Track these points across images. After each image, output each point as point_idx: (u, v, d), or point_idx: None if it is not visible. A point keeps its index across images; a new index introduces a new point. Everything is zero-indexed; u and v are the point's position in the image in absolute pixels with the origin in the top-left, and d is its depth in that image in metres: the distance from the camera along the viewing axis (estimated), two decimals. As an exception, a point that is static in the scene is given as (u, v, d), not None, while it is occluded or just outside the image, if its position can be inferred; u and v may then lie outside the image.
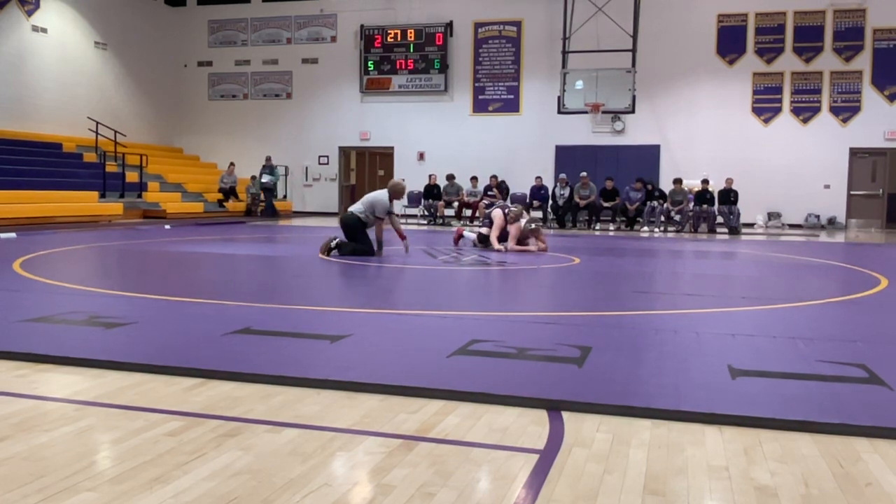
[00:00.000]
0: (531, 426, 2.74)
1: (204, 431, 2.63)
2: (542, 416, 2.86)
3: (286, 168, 23.27)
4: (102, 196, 17.12)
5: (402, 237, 9.48)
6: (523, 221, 10.28)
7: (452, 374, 3.36)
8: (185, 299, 5.44)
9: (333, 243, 9.16)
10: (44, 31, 19.34)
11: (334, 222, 18.97)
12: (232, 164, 21.31)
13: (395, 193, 9.28)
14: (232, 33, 23.74)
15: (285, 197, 23.34)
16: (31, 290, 5.86)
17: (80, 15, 20.43)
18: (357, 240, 9.19)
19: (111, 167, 18.31)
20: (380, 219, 9.21)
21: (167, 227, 14.89)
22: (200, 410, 2.87)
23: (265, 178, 20.33)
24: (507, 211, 10.43)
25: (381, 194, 9.26)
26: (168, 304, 5.25)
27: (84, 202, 16.12)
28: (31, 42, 19.02)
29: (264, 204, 20.54)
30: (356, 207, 9.28)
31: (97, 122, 19.81)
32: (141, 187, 18.65)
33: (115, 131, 19.80)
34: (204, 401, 3.00)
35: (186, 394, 3.09)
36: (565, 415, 2.87)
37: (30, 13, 18.94)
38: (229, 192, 20.74)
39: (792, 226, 19.41)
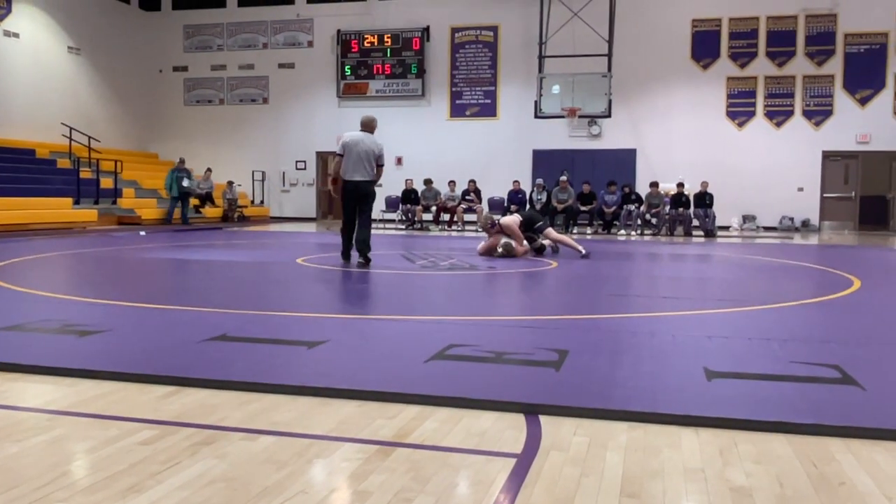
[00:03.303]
0: (509, 430, 2.74)
1: (178, 440, 2.60)
2: (519, 419, 2.86)
3: (263, 173, 23.17)
4: (76, 203, 16.93)
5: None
6: (502, 240, 10.10)
7: (430, 379, 3.35)
8: (161, 306, 5.39)
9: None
10: (16, 35, 19.12)
11: (312, 227, 18.93)
12: (208, 169, 21.14)
13: (374, 129, 8.82)
14: (208, 38, 23.62)
15: (262, 202, 23.24)
16: (3, 298, 5.77)
17: (52, 20, 20.22)
18: (365, 219, 8.63)
19: (85, 173, 18.13)
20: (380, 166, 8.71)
21: (142, 233, 14.76)
22: (175, 418, 2.84)
23: (187, 183, 18.72)
24: (497, 221, 10.38)
25: (373, 139, 8.63)
26: (143, 311, 5.20)
27: (58, 209, 15.94)
28: (3, 47, 18.79)
29: (180, 212, 18.74)
30: (364, 173, 8.49)
31: (71, 128, 19.60)
32: (116, 193, 18.47)
33: (90, 137, 19.60)
34: (178, 409, 2.96)
35: (160, 402, 3.06)
36: (543, 418, 2.87)
37: (1, 18, 18.71)
38: (206, 198, 20.60)
39: (766, 228, 19.61)
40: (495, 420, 2.85)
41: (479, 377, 3.42)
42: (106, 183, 18.36)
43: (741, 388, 3.27)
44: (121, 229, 16.14)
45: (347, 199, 8.60)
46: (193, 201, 20.19)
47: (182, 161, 19.47)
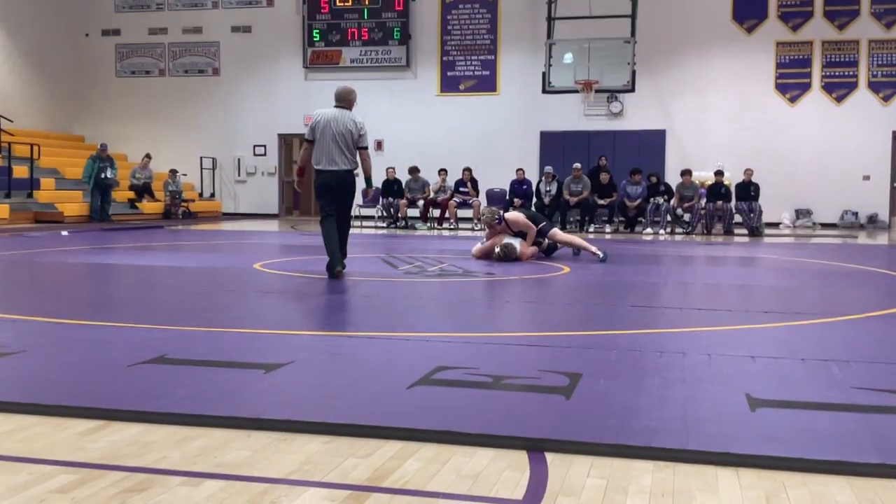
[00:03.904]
0: (508, 471, 2.73)
1: (104, 486, 2.58)
2: (521, 458, 2.85)
3: (213, 160, 23.12)
4: (-16, 196, 16.89)
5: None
6: (504, 240, 10.14)
7: (414, 409, 3.35)
8: (85, 322, 5.37)
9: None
10: None
11: (273, 225, 18.92)
12: (147, 155, 21.13)
13: (352, 104, 8.44)
14: (145, -4, 23.59)
15: (212, 195, 23.20)
16: None
17: (-45, -27, 20.18)
18: (343, 218, 8.36)
19: (-6, 160, 18.07)
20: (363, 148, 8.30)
21: (65, 233, 14.72)
22: (100, 460, 2.82)
23: (110, 174, 18.72)
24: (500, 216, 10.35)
25: (351, 116, 8.23)
26: (63, 328, 5.18)
27: (-39, 204, 15.89)
28: None
29: (101, 207, 18.60)
30: (343, 160, 8.11)
31: (-23, 106, 19.56)
32: (32, 184, 18.42)
33: (0, 116, 19.54)
34: (105, 448, 2.95)
35: (83, 439, 3.04)
36: (549, 456, 2.86)
37: None
38: (143, 190, 20.58)
39: (824, 225, 19.69)
40: (492, 459, 2.84)
41: (472, 407, 3.42)
42: (20, 172, 18.30)
43: (792, 419, 3.27)
44: (38, 228, 16.08)
45: (324, 194, 8.19)
46: (128, 194, 20.17)
47: (104, 148, 19.19)
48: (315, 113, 8.42)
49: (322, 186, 8.17)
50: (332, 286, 7.66)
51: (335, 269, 7.96)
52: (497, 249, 9.90)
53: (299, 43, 22.52)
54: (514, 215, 10.39)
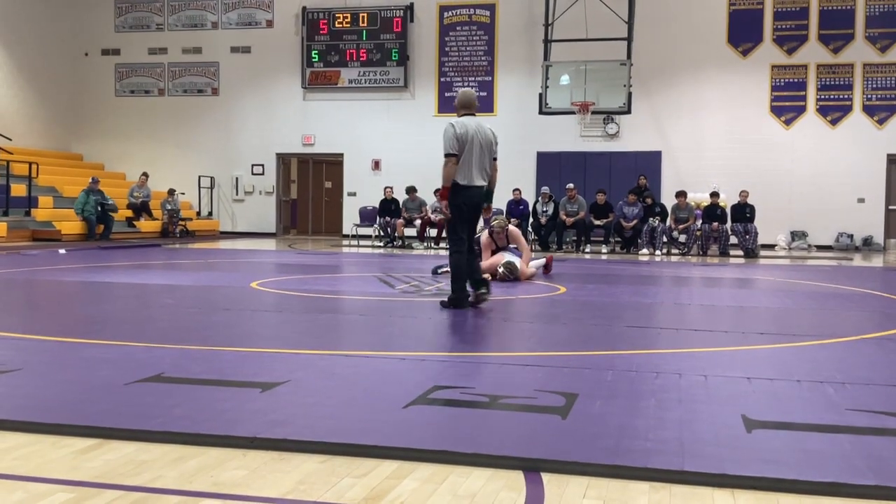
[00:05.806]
0: (504, 491, 2.72)
1: (100, 504, 2.57)
2: (517, 478, 2.84)
3: (211, 179, 23.14)
4: (-18, 214, 16.89)
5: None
6: (505, 258, 10.22)
7: (410, 429, 3.35)
8: (82, 340, 5.36)
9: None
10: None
11: (271, 244, 18.91)
12: (144, 174, 21.14)
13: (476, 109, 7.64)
14: (145, 15, 23.67)
15: (210, 214, 23.20)
16: None
17: (-44, -8, 20.25)
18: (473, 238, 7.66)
19: (-7, 178, 18.07)
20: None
21: (62, 251, 14.70)
22: (96, 479, 2.81)
23: (111, 201, 19.03)
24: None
25: (489, 126, 7.48)
26: (60, 346, 5.18)
27: (-41, 221, 15.88)
28: None
29: (101, 230, 18.79)
30: (485, 175, 7.37)
31: (-24, 124, 19.59)
32: (30, 202, 18.42)
33: (-1, 134, 19.60)
34: (101, 466, 2.94)
35: (79, 458, 3.03)
36: (545, 477, 2.86)
37: None
38: (141, 209, 20.57)
39: (819, 247, 19.71)
40: (488, 479, 2.83)
41: (468, 426, 3.42)
42: (18, 190, 18.30)
43: (788, 440, 3.27)
44: (35, 246, 16.06)
45: (467, 215, 7.35)
46: (125, 213, 20.17)
47: (95, 182, 18.95)
48: (457, 123, 7.24)
49: (468, 205, 7.31)
50: (329, 306, 7.65)
51: (466, 297, 7.34)
52: (500, 269, 9.94)
53: (298, 63, 22.60)
54: (515, 231, 10.59)
